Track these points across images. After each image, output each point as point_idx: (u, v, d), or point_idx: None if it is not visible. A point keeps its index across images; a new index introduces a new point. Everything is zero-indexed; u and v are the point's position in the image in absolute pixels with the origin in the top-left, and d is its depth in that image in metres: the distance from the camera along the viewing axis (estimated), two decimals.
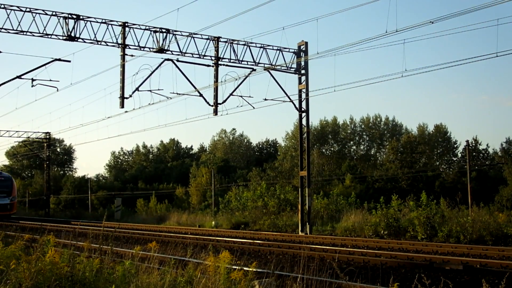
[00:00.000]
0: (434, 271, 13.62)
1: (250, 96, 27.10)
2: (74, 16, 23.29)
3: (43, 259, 7.16)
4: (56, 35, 23.16)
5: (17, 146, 76.97)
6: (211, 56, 26.21)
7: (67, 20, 23.18)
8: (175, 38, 25.02)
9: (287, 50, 27.68)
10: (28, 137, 53.70)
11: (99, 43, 23.87)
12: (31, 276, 6.82)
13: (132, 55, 24.59)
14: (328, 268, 9.70)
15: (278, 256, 17.24)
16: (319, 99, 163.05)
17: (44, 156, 55.77)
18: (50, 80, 26.98)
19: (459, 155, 67.58)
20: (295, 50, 28.01)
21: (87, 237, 10.29)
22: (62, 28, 23.16)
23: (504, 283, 7.06)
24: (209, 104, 26.59)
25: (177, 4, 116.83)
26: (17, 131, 49.79)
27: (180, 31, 25.17)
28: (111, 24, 23.94)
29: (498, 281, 11.43)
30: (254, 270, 7.62)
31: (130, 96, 24.89)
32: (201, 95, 26.44)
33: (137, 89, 25.03)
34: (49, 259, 7.06)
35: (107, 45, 24.11)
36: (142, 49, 24.57)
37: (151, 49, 24.78)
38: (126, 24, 24.25)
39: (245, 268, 7.76)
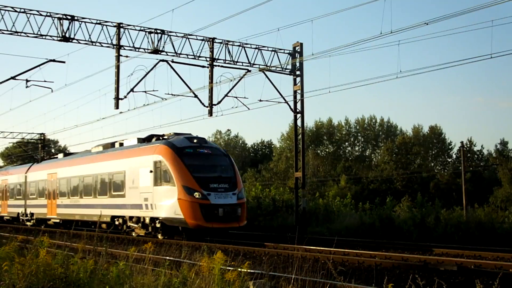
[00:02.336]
0: (429, 271, 13.65)
1: (245, 97, 27.06)
2: (69, 17, 23.21)
3: (36, 261, 7.14)
4: (50, 36, 23.07)
5: (12, 147, 76.68)
6: (206, 57, 26.17)
7: (61, 21, 23.09)
8: (170, 39, 24.97)
9: (282, 51, 27.68)
10: (23, 138, 53.47)
11: (94, 44, 23.80)
12: (24, 278, 6.81)
13: (127, 56, 24.52)
14: (322, 268, 9.71)
15: (272, 257, 17.23)
16: (314, 100, 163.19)
17: (39, 157, 55.55)
18: (45, 81, 26.86)
19: (454, 156, 67.90)
20: (290, 51, 28.00)
21: (81, 238, 10.26)
22: (57, 28, 23.08)
23: (497, 283, 7.11)
24: (204, 105, 26.56)
25: (172, 5, 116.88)
26: (11, 132, 49.45)
27: (175, 32, 25.13)
28: (106, 25, 23.87)
29: (492, 281, 11.46)
30: (248, 271, 7.63)
31: (125, 97, 24.82)
32: (196, 96, 26.40)
33: (132, 90, 24.98)
34: (41, 260, 7.05)
35: (102, 46, 24.03)
36: (137, 50, 24.53)
37: (146, 50, 24.73)
38: (121, 25, 24.20)
39: (239, 269, 7.76)
